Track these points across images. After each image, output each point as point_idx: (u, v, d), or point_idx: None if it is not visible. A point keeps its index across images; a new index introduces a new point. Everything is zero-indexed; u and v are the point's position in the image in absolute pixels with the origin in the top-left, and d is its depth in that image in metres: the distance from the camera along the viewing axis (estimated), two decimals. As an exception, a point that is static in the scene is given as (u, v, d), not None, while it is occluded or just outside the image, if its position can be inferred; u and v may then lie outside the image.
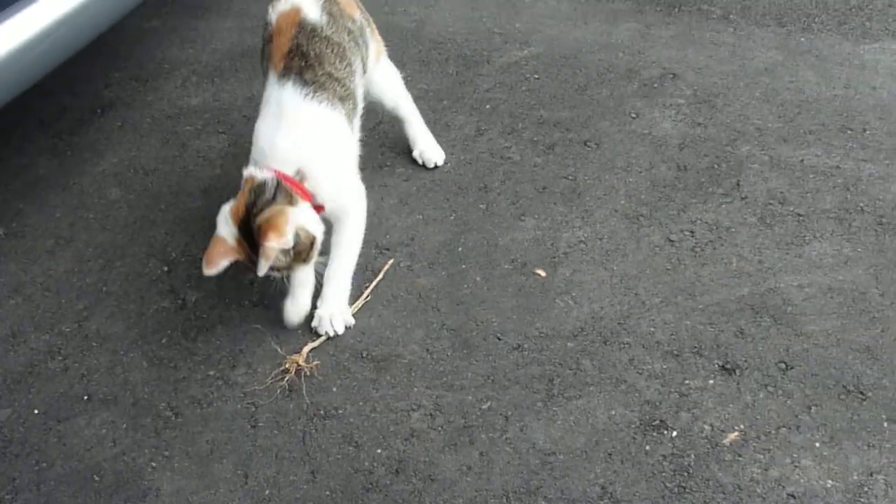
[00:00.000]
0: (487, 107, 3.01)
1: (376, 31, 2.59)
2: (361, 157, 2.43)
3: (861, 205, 2.54)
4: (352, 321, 2.30)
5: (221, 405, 2.17)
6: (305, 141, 2.16)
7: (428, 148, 2.77)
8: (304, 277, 2.26)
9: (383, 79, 2.60)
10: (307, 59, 2.19)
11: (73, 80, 3.27)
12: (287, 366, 2.23)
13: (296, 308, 2.29)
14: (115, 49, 3.44)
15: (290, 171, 2.12)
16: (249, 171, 2.13)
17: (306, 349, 2.25)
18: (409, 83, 2.91)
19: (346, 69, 2.28)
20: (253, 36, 3.41)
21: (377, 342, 2.28)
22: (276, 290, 2.31)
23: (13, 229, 2.69)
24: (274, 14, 2.28)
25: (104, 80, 3.27)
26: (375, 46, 2.54)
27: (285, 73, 2.18)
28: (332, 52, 2.24)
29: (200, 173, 2.82)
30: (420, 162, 2.78)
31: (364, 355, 2.26)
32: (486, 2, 3.56)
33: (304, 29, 2.21)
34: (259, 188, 2.07)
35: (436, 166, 2.77)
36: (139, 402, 2.19)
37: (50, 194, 2.80)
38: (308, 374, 2.20)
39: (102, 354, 2.31)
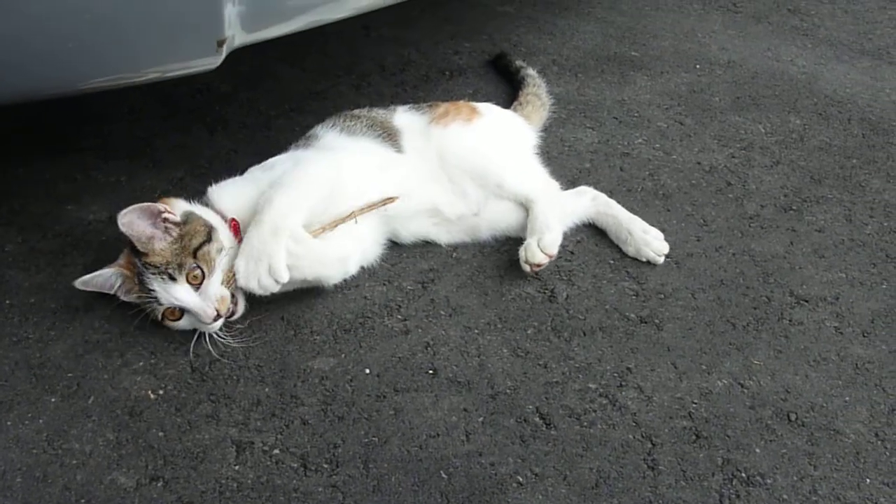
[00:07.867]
0: (908, 177, 2.45)
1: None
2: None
3: None
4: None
5: (607, 429, 1.62)
6: None
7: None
8: None
9: None
10: None
11: (418, 41, 2.90)
12: (682, 398, 1.67)
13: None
14: (464, 22, 3.07)
15: None
16: None
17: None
18: (808, 135, 2.53)
19: None
20: (618, 44, 2.99)
21: (809, 407, 1.71)
22: (666, 313, 1.83)
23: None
24: None
25: (454, 48, 2.88)
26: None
27: None
28: None
29: (565, 162, 2.35)
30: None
31: (792, 418, 1.69)
32: (885, 73, 3.02)
33: None
34: None
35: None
36: (499, 395, 1.68)
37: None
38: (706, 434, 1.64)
39: (452, 327, 1.81)
